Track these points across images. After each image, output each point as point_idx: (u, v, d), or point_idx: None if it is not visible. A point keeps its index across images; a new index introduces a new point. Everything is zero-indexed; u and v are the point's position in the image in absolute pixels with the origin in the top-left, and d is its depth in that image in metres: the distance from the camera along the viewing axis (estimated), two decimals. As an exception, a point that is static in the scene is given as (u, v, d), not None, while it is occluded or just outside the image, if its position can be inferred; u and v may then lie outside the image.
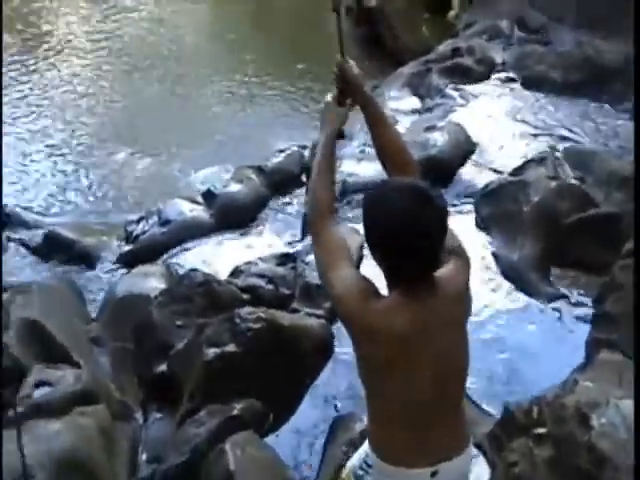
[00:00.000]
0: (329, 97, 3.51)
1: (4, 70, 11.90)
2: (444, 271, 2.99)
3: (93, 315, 6.90)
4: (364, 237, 2.98)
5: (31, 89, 12.14)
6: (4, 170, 9.04)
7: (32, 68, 12.80)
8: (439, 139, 8.58)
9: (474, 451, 3.69)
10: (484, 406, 5.45)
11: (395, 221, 2.81)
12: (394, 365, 2.95)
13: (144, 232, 8.08)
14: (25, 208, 8.94)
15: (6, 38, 13.08)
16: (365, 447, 3.32)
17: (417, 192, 2.85)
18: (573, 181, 7.54)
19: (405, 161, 3.29)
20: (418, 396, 3.00)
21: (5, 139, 9.98)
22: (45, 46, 13.68)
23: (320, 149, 3.29)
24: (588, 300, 6.40)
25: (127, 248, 7.97)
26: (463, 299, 3.11)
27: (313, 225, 3.12)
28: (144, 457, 5.36)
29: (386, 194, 2.91)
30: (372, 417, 3.21)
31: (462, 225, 7.54)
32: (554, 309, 6.49)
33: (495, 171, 8.24)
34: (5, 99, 11.26)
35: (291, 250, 7.23)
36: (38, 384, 5.21)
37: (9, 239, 8.18)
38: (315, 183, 3.20)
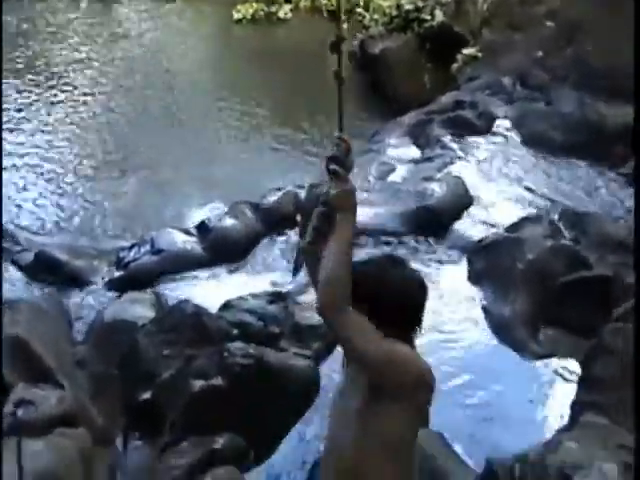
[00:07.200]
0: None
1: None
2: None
3: (79, 338, 6.87)
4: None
5: (29, 113, 12.17)
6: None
7: (30, 92, 12.88)
8: (437, 190, 8.59)
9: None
10: (466, 459, 5.40)
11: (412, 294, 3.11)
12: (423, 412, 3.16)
13: (135, 259, 8.05)
14: (18, 226, 8.93)
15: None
16: None
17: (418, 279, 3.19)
18: (567, 242, 7.57)
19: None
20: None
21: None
22: (46, 73, 13.75)
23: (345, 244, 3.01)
24: (575, 361, 6.40)
25: (117, 274, 7.94)
26: None
27: (334, 308, 2.96)
28: (122, 484, 5.33)
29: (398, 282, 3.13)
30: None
31: (454, 277, 7.56)
32: (541, 368, 6.47)
33: (490, 226, 8.24)
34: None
35: (283, 289, 7.20)
36: (21, 402, 5.17)
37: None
38: (339, 271, 2.97)
